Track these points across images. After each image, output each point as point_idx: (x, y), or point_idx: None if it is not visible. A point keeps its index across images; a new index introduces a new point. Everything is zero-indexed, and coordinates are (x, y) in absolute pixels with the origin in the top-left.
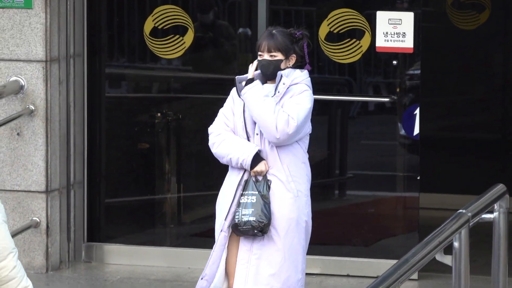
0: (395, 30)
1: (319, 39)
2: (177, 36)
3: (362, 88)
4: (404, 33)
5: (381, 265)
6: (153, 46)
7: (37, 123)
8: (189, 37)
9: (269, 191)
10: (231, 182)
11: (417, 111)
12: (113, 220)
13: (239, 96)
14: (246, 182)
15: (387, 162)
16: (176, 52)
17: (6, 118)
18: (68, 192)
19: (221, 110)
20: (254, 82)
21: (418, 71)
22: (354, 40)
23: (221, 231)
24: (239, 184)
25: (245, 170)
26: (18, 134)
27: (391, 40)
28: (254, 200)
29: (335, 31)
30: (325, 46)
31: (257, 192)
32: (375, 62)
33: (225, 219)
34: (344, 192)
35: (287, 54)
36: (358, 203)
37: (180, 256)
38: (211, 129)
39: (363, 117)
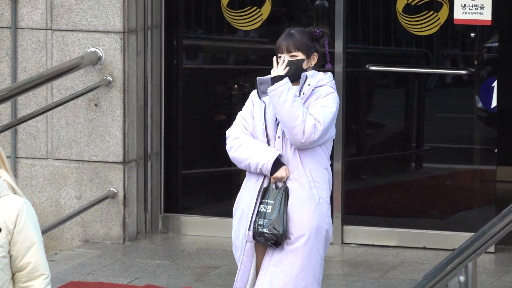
0: (473, 2)
1: (397, 11)
2: (254, 7)
3: (439, 61)
4: (482, 5)
5: (458, 238)
6: (230, 18)
7: (114, 94)
8: (266, 9)
9: (287, 200)
10: (250, 189)
11: (495, 84)
12: (189, 191)
13: (260, 98)
14: (266, 189)
15: (464, 134)
16: (253, 24)
17: (84, 89)
18: (145, 163)
19: (240, 113)
20: (284, 79)
21: (496, 44)
22: (431, 12)
23: (246, 241)
24: (259, 191)
25: (264, 176)
26: (95, 105)
27: (469, 12)
28: (269, 210)
29: (412, 3)
30: (402, 18)
31: (273, 201)
32: (453, 35)
33: (248, 229)
34: (421, 165)
35: (308, 53)
36: (435, 176)
37: None
38: (229, 132)
39: (440, 89)
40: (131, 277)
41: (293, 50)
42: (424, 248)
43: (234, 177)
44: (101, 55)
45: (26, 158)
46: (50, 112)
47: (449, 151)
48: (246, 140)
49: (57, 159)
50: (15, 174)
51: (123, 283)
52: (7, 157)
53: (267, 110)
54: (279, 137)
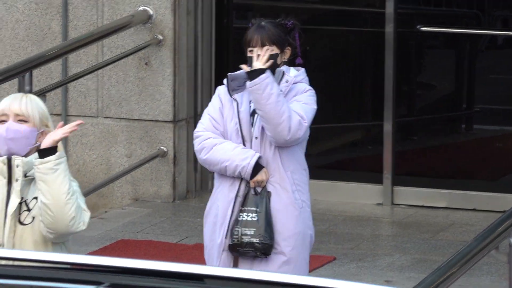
0: None
1: None
2: None
3: (491, 22)
4: None
5: (508, 200)
6: None
7: (165, 53)
8: None
9: (269, 204)
10: (224, 195)
11: None
12: None
13: (230, 95)
14: (245, 195)
15: None
16: None
17: (135, 47)
18: (195, 122)
19: (206, 112)
20: (267, 73)
21: None
22: None
23: (222, 250)
24: (236, 197)
25: (241, 181)
26: (146, 63)
27: None
28: (255, 218)
29: None
30: None
31: (257, 208)
32: None
33: (225, 237)
34: (471, 126)
35: (282, 46)
36: (486, 137)
37: None
38: (197, 133)
39: (492, 51)
40: (180, 236)
41: (267, 44)
42: (474, 209)
43: None
44: (151, 13)
45: (77, 116)
46: (100, 70)
47: (500, 113)
48: (219, 141)
49: (107, 117)
50: None
51: (173, 241)
52: (58, 115)
53: (240, 109)
54: (256, 138)
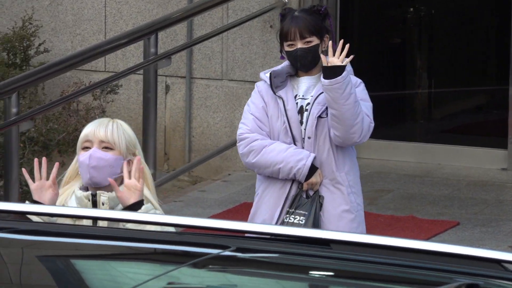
0: None
1: None
2: None
3: None
4: None
5: None
6: None
7: None
8: None
9: (321, 209)
10: (273, 197)
11: None
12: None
13: (275, 93)
14: (295, 197)
15: None
16: None
17: (260, 10)
18: None
19: (248, 111)
20: (346, 72)
21: None
22: None
23: None
24: (286, 199)
25: (292, 182)
26: (271, 26)
27: None
28: (302, 222)
29: None
30: None
31: (307, 212)
32: None
33: None
34: None
35: (321, 35)
36: None
37: (430, 152)
38: (242, 135)
39: None
40: None
41: (307, 36)
42: None
43: (408, 100)
44: None
45: (201, 78)
46: (225, 33)
47: None
48: (268, 142)
49: (231, 80)
50: (190, 94)
51: None
52: (182, 77)
53: (287, 107)
54: (309, 138)
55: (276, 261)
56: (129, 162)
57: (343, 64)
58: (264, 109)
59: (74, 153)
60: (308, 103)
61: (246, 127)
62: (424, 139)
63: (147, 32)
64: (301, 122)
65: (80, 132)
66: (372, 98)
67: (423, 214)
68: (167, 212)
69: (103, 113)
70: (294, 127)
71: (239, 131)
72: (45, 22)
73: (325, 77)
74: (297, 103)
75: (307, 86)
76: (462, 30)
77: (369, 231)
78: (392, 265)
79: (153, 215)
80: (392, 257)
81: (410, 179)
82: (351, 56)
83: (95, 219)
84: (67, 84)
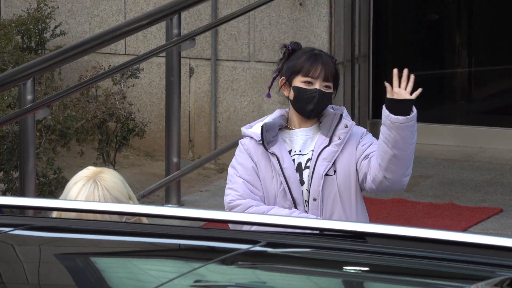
0: None
1: None
2: None
3: None
4: None
5: None
6: None
7: None
8: None
9: None
10: None
11: None
12: None
13: (267, 149)
14: None
15: None
16: None
17: None
18: (353, 65)
19: (235, 174)
20: (414, 109)
21: None
22: None
23: None
24: None
25: None
26: (300, 4)
27: None
28: None
29: None
30: None
31: None
32: None
33: None
34: None
35: (337, 84)
36: None
37: (471, 134)
38: (233, 202)
39: None
40: None
41: (330, 80)
42: None
43: (447, 80)
44: None
45: (227, 60)
46: (252, 12)
47: None
48: (265, 208)
49: (259, 61)
50: (216, 77)
51: None
52: (207, 59)
53: (283, 165)
54: (315, 200)
55: (309, 256)
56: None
57: (413, 97)
58: (254, 170)
59: (93, 141)
60: (309, 159)
61: (236, 193)
62: (464, 121)
63: (170, 12)
64: (302, 182)
65: (99, 119)
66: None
67: (463, 201)
68: (192, 203)
69: (123, 99)
70: (294, 188)
71: (227, 198)
72: (61, 3)
73: (393, 112)
74: (293, 160)
75: (303, 140)
76: (503, 5)
77: (407, 219)
78: (432, 259)
79: (176, 209)
80: (431, 250)
81: (449, 164)
82: (420, 89)
83: (104, 213)
84: (85, 69)
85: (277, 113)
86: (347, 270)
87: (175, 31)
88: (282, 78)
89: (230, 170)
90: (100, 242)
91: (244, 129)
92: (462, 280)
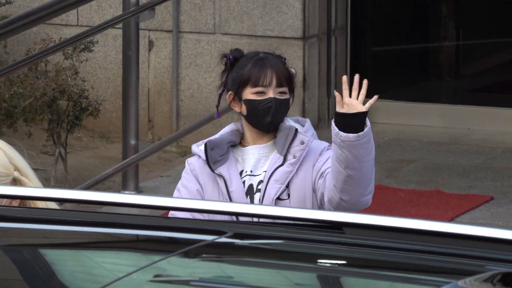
0: None
1: None
2: None
3: None
4: None
5: None
6: None
7: None
8: None
9: None
10: None
11: None
12: (380, 72)
13: (213, 170)
14: None
15: None
16: None
17: None
18: (329, 39)
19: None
20: (367, 120)
21: None
22: None
23: None
24: None
25: None
26: None
27: None
28: None
29: None
30: None
31: None
32: None
33: None
34: None
35: (292, 88)
36: None
37: (459, 114)
38: None
39: None
40: None
41: (284, 85)
42: None
43: (432, 55)
44: None
45: (190, 32)
46: None
47: None
48: None
49: (226, 33)
50: (178, 51)
51: None
52: (169, 31)
53: (231, 188)
54: None
55: (281, 249)
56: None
57: (365, 109)
58: (199, 193)
59: (42, 121)
60: (261, 181)
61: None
62: (451, 100)
63: None
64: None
65: (49, 97)
66: (391, 52)
67: (450, 188)
68: (152, 189)
69: (75, 75)
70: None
71: None
72: None
73: (343, 128)
74: (244, 182)
75: (256, 159)
76: None
77: (388, 208)
78: (415, 252)
79: (134, 196)
80: (415, 242)
81: (435, 147)
82: (376, 96)
83: (58, 201)
84: (33, 41)
85: (228, 128)
86: (323, 264)
87: (133, 0)
88: (230, 93)
89: (175, 192)
90: (50, 233)
91: (193, 147)
92: (449, 275)
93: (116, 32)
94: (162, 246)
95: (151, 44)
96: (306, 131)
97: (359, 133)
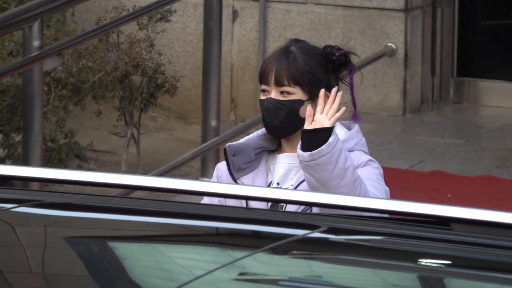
0: None
1: None
2: None
3: None
4: None
5: None
6: None
7: None
8: None
9: None
10: None
11: None
12: (491, 48)
13: (235, 180)
14: None
15: None
16: None
17: None
18: (434, 10)
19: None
20: (333, 136)
21: None
22: None
23: None
24: None
25: None
26: None
27: None
28: None
29: None
30: None
31: None
32: None
33: None
34: None
35: (312, 89)
36: None
37: None
38: None
39: None
40: (412, 159)
41: (286, 84)
42: None
43: None
44: None
45: (279, 2)
46: None
47: None
48: None
49: (319, 4)
50: (265, 22)
51: (402, 167)
52: (254, 0)
53: (251, 203)
54: None
55: (379, 246)
56: None
57: (329, 125)
58: (221, 202)
59: (113, 98)
60: None
61: None
62: None
63: None
64: None
65: (121, 72)
66: (504, 26)
67: None
68: None
69: (151, 47)
70: None
71: None
72: None
73: (307, 147)
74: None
75: (286, 169)
76: None
77: (499, 201)
78: None
79: (215, 185)
80: None
81: None
82: (343, 109)
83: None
84: (104, 10)
85: (259, 131)
86: (426, 264)
87: None
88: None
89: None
90: (120, 223)
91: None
92: None
93: (196, 1)
94: (246, 240)
95: (235, 14)
96: (346, 140)
97: (312, 151)
